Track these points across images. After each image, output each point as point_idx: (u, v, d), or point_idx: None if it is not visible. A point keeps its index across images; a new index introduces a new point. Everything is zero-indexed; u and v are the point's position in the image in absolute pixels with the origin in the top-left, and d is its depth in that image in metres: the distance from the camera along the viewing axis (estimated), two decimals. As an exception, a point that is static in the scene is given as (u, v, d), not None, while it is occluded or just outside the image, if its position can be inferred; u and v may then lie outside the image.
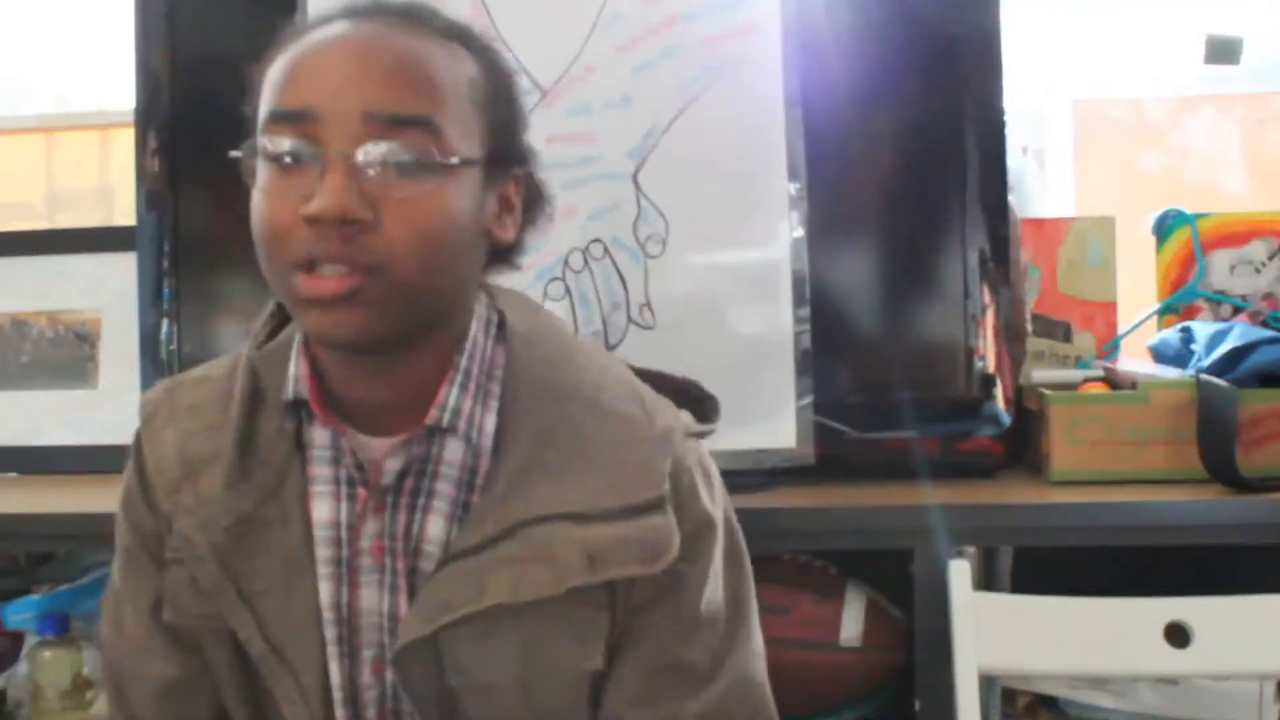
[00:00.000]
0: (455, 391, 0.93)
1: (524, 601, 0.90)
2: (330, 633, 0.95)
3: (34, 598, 1.60)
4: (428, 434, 0.93)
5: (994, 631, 1.20)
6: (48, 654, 1.50)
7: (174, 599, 0.98)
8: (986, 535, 1.34)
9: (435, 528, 0.94)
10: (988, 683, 1.31)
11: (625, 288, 1.40)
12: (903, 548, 1.27)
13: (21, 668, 1.56)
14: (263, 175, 0.88)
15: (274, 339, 1.00)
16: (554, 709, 0.96)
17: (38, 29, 2.23)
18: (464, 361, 0.94)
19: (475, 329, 0.96)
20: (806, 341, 1.37)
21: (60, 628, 1.51)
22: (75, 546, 1.65)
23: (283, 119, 0.87)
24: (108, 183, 2.18)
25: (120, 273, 1.69)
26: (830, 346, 1.40)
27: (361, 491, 0.95)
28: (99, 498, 1.50)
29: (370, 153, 0.85)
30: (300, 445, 0.96)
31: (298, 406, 0.95)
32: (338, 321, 0.86)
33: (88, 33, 2.15)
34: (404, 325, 0.89)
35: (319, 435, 0.96)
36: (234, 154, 0.91)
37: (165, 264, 1.54)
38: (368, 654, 0.96)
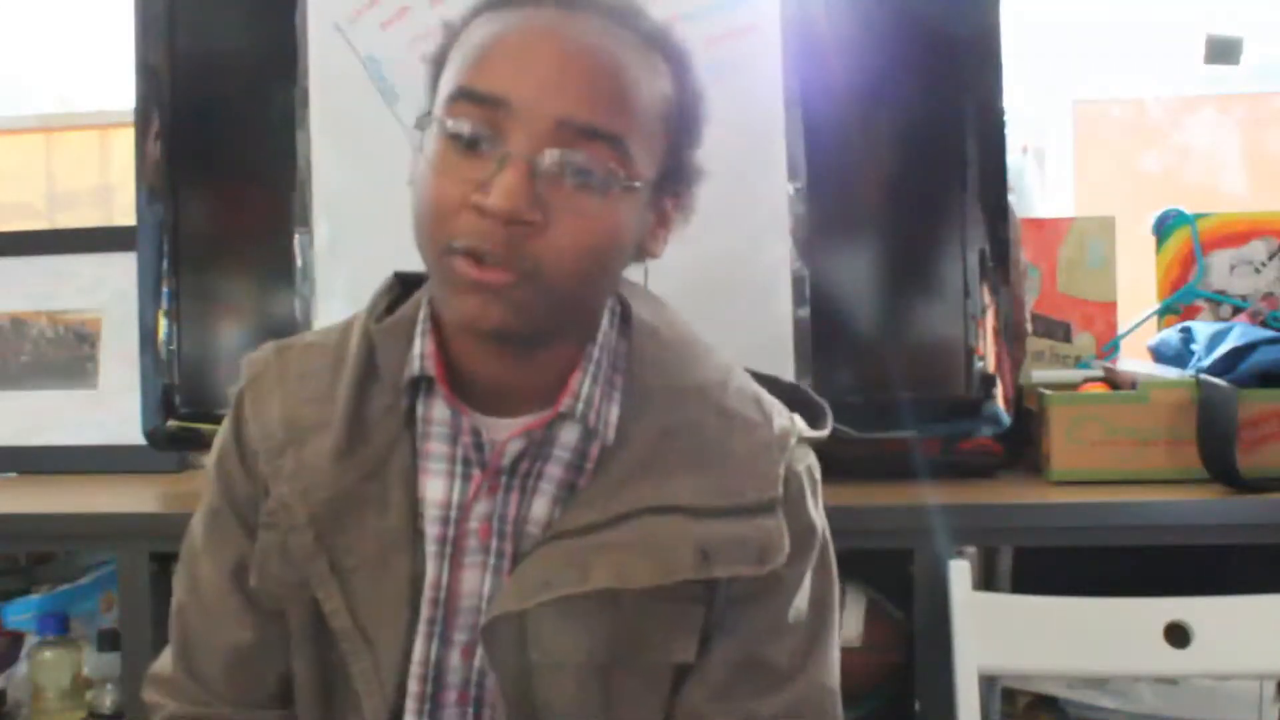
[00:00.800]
0: (587, 381, 0.93)
1: (629, 589, 0.90)
2: (426, 613, 0.94)
3: (34, 598, 1.60)
4: (554, 419, 0.93)
5: (994, 631, 1.20)
6: (48, 654, 1.50)
7: (262, 564, 0.96)
8: (986, 535, 1.34)
9: (540, 508, 0.94)
10: (988, 683, 1.31)
11: (625, 288, 1.40)
12: (903, 548, 1.27)
13: (21, 668, 1.56)
14: (436, 149, 0.86)
15: (392, 314, 0.97)
16: (631, 700, 0.95)
17: (38, 29, 2.23)
18: (596, 352, 0.94)
19: (605, 321, 0.96)
20: (807, 342, 1.37)
21: (60, 628, 1.51)
22: (75, 546, 1.65)
23: (473, 99, 0.85)
24: (108, 183, 2.18)
25: (120, 273, 1.69)
26: (830, 346, 1.40)
27: (476, 472, 0.94)
28: (99, 498, 1.51)
29: (555, 159, 0.84)
30: (410, 423, 0.95)
31: (415, 384, 0.94)
32: (486, 311, 0.85)
33: (88, 33, 2.15)
34: (547, 326, 0.89)
35: (438, 412, 0.94)
36: (419, 120, 0.88)
37: (165, 264, 1.54)
38: (460, 637, 0.95)
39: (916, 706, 1.27)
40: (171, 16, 1.55)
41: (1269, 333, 1.42)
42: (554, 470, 0.94)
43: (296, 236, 1.45)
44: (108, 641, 1.49)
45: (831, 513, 1.30)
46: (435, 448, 0.94)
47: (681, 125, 0.92)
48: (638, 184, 0.87)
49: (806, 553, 0.96)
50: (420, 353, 0.93)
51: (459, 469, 0.94)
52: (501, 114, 0.84)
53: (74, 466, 1.69)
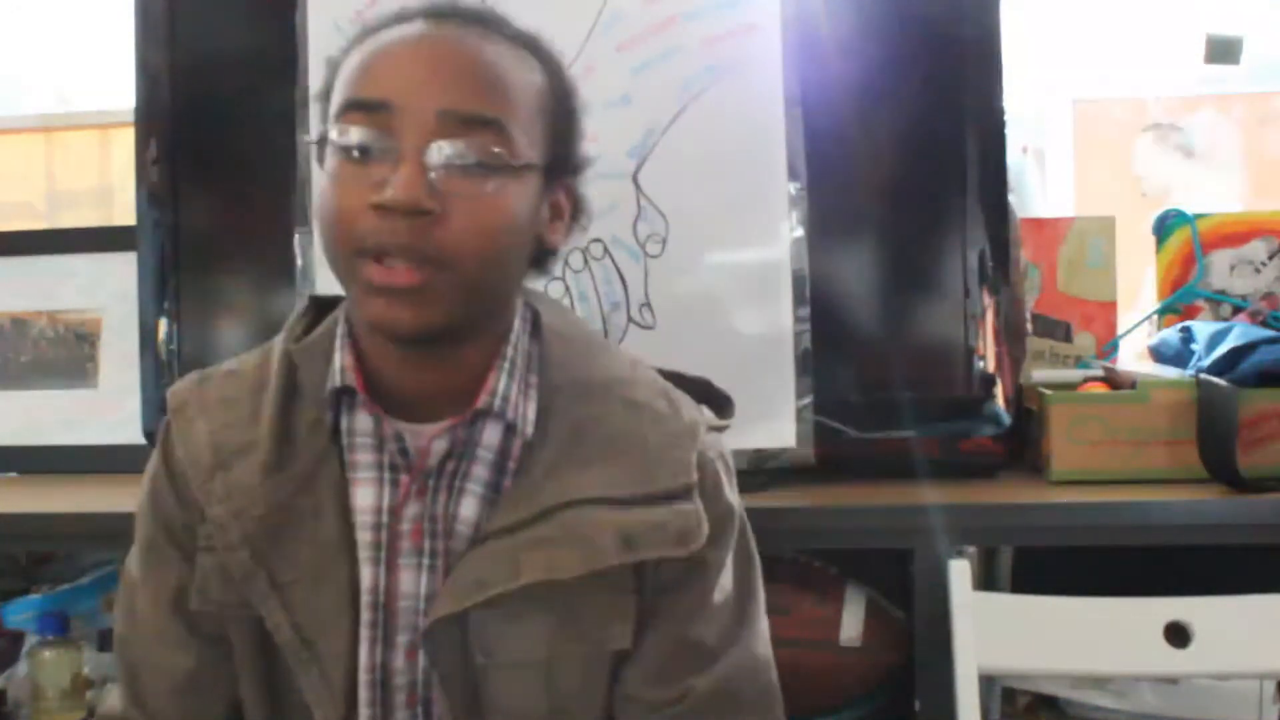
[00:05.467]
0: (504, 379, 0.97)
1: (558, 581, 0.93)
2: (367, 616, 0.97)
3: (34, 598, 1.60)
4: (473, 418, 0.96)
5: (994, 631, 1.20)
6: (48, 654, 1.50)
7: (202, 586, 0.99)
8: (986, 535, 1.34)
9: (468, 509, 0.97)
10: (988, 683, 1.31)
11: (625, 288, 1.40)
12: (903, 548, 1.27)
13: (21, 668, 1.56)
14: (333, 162, 0.91)
15: (310, 334, 1.01)
16: (575, 691, 0.99)
17: (38, 29, 2.23)
18: (510, 351, 0.98)
19: (517, 324, 1.00)
20: (806, 341, 1.37)
21: (60, 628, 1.51)
22: (75, 546, 1.65)
23: (359, 109, 0.90)
24: (108, 183, 2.18)
25: (120, 273, 1.69)
26: (830, 346, 1.39)
27: (404, 477, 0.97)
28: (99, 498, 1.51)
29: (442, 149, 0.88)
30: (337, 436, 0.98)
31: (338, 397, 0.97)
32: (403, 313, 0.89)
33: (88, 33, 2.15)
34: (462, 318, 0.92)
35: (361, 423, 0.98)
36: (307, 139, 0.93)
37: (165, 264, 1.53)
38: (402, 639, 0.98)
39: (916, 706, 1.27)
40: (171, 17, 1.55)
41: (1269, 333, 1.42)
42: (479, 471, 0.98)
43: (296, 236, 1.45)
44: (108, 641, 1.48)
45: (832, 513, 1.31)
46: (362, 457, 0.98)
47: (559, 114, 0.97)
48: (522, 163, 0.91)
49: (727, 535, 1.01)
50: (340, 366, 0.97)
51: (386, 475, 0.98)
52: (387, 116, 0.89)
53: (74, 466, 1.69)
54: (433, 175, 0.88)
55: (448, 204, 0.88)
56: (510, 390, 0.97)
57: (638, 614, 0.98)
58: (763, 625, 1.05)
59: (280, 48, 1.46)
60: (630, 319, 1.40)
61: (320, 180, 0.92)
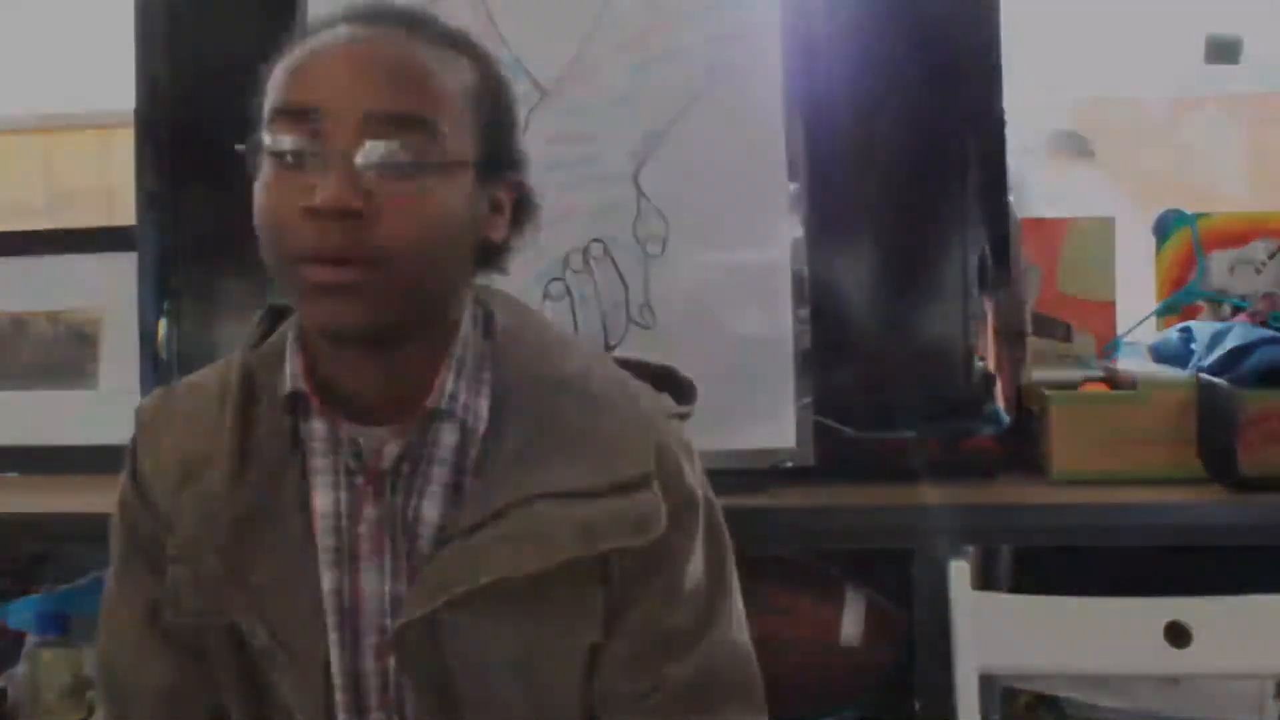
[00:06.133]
0: (452, 378, 0.96)
1: (522, 576, 0.93)
2: (332, 620, 0.97)
3: (34, 598, 1.60)
4: (425, 420, 0.96)
5: (994, 631, 1.20)
6: (48, 654, 1.50)
7: (175, 598, 0.99)
8: (986, 535, 1.34)
9: (430, 510, 0.97)
10: (988, 683, 1.31)
11: (625, 288, 1.40)
12: (903, 548, 1.27)
13: (21, 668, 1.56)
14: (265, 169, 0.91)
15: (266, 341, 1.03)
16: (551, 687, 0.99)
17: (38, 29, 2.23)
18: (459, 350, 0.97)
19: (466, 323, 1.00)
20: (806, 341, 1.37)
21: (60, 628, 1.51)
22: (75, 546, 1.65)
23: (287, 115, 0.91)
24: (108, 183, 2.18)
25: (120, 273, 1.69)
26: (830, 346, 1.40)
27: (360, 480, 0.97)
28: (99, 498, 1.50)
29: (370, 150, 0.88)
30: (297, 441, 0.99)
31: (294, 402, 0.98)
32: (341, 311, 0.89)
33: (88, 33, 2.16)
34: (402, 316, 0.92)
35: (317, 428, 0.98)
36: (239, 148, 0.93)
37: (165, 264, 1.54)
38: (369, 640, 0.98)
39: (916, 706, 1.27)
40: (171, 17, 1.55)
41: (1269, 333, 1.42)
42: (438, 472, 0.97)
43: (296, 236, 1.45)
44: (108, 641, 1.48)
45: (832, 513, 1.31)
46: (319, 462, 0.98)
47: (492, 110, 0.97)
48: (453, 160, 0.91)
49: (692, 521, 1.00)
50: (291, 371, 0.97)
51: (343, 479, 0.98)
52: (315, 121, 0.89)
53: (74, 466, 1.68)
54: (363, 177, 0.88)
55: (379, 204, 0.88)
56: (460, 389, 0.97)
57: (606, 606, 0.98)
58: (738, 612, 1.04)
59: (280, 48, 1.46)
60: (630, 319, 1.40)
61: (256, 188, 0.92)
